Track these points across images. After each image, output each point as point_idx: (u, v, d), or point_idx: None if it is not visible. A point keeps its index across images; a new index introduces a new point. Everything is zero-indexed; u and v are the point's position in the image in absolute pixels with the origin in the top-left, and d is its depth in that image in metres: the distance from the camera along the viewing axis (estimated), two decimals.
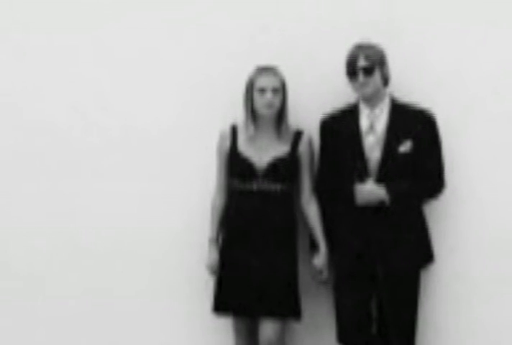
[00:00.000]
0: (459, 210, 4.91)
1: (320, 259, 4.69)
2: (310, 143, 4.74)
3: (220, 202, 4.78)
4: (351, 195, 4.57)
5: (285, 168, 4.66)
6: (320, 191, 4.77)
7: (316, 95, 4.90)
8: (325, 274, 4.71)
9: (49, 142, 5.07)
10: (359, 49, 4.60)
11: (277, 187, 4.66)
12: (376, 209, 4.58)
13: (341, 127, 4.70)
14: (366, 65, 4.55)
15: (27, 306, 5.10)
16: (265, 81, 4.61)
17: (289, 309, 4.65)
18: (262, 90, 4.58)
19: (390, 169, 4.59)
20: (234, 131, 4.75)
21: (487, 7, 4.94)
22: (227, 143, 4.73)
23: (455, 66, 4.90)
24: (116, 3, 5.11)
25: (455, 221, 4.92)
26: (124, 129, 5.05)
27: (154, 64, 5.06)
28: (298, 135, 4.72)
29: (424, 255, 4.75)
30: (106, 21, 5.16)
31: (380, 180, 4.55)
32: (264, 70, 4.64)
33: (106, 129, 5.07)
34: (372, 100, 4.63)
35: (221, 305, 4.68)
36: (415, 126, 4.64)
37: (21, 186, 5.11)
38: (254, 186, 4.66)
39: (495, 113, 4.89)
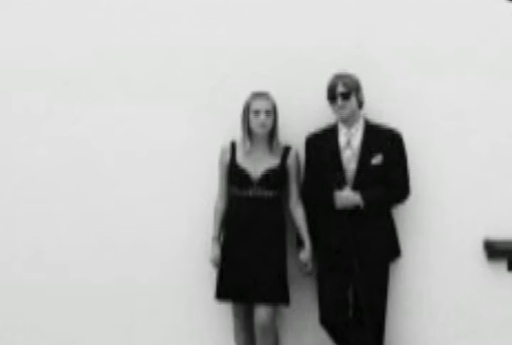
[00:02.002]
0: (421, 213, 5.27)
1: (305, 254, 5.02)
2: (297, 156, 5.06)
3: (221, 206, 5.10)
4: (331, 200, 4.90)
5: (276, 178, 4.98)
6: (305, 197, 5.09)
7: (301, 117, 5.23)
8: (309, 267, 5.05)
9: (81, 158, 5.39)
10: (338, 78, 4.96)
11: (269, 193, 4.97)
12: (352, 212, 4.91)
13: (323, 143, 5.04)
14: (344, 91, 4.90)
15: (57, 292, 5.40)
16: (259, 104, 4.94)
17: (279, 296, 4.98)
18: (257, 112, 4.92)
19: (364, 178, 4.93)
20: (233, 146, 5.06)
21: (444, 43, 5.25)
22: (227, 156, 5.04)
23: (418, 93, 5.27)
24: (133, 42, 5.37)
25: (418, 222, 5.28)
26: (143, 147, 5.38)
27: (168, 95, 5.38)
28: (286, 150, 5.04)
29: (392, 250, 5.10)
30: (129, 62, 5.40)
31: (355, 187, 4.90)
32: (258, 95, 4.98)
33: (130, 147, 5.39)
34: (348, 121, 4.98)
35: (222, 292, 5.02)
36: (385, 143, 4.99)
37: (55, 193, 5.39)
38: (250, 193, 4.98)
39: (452, 131, 5.27)
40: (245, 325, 5.13)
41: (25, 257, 5.40)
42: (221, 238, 5.11)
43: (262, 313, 4.92)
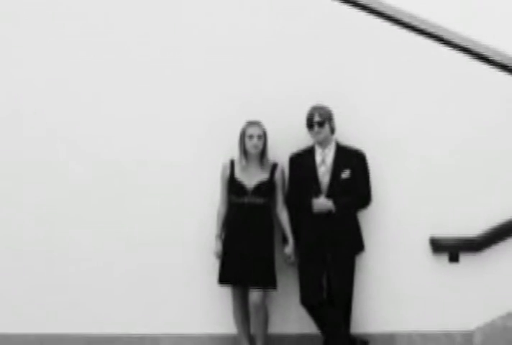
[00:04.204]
0: (380, 216, 5.68)
1: (289, 249, 5.46)
2: (282, 171, 5.48)
3: (223, 211, 5.50)
4: (309, 206, 5.32)
5: (266, 188, 5.41)
6: (289, 203, 5.49)
7: (286, 140, 5.60)
8: (292, 259, 5.48)
9: (111, 173, 5.74)
10: (315, 110, 5.38)
11: (260, 201, 5.40)
12: (326, 215, 5.32)
13: (303, 161, 5.44)
14: (319, 120, 5.33)
15: (96, 276, 5.78)
16: (253, 130, 5.38)
17: (268, 281, 5.40)
18: (251, 137, 5.36)
19: (336, 189, 5.35)
20: (232, 163, 5.49)
21: (396, 81, 5.65)
22: (227, 171, 5.48)
23: (379, 122, 5.67)
24: (146, 68, 5.70)
25: (378, 223, 5.68)
26: (162, 165, 5.72)
27: (182, 125, 5.72)
28: (274, 166, 5.47)
29: (358, 246, 5.51)
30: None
31: (328, 196, 5.33)
32: (252, 123, 5.43)
33: (152, 165, 5.73)
34: (323, 144, 5.40)
35: (224, 278, 5.45)
36: (352, 161, 5.41)
37: (91, 201, 5.77)
38: (246, 200, 5.40)
39: (406, 151, 5.67)
40: (242, 304, 5.52)
41: (66, 251, 5.78)
42: (223, 236, 5.49)
43: (255, 294, 5.37)
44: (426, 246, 5.70)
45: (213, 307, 5.76)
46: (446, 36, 5.55)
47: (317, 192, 5.35)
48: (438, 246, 5.66)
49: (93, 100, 5.77)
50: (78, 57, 5.75)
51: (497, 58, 5.57)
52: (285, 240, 5.53)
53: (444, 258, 5.68)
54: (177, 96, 5.76)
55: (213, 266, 5.62)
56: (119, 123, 5.77)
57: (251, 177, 5.43)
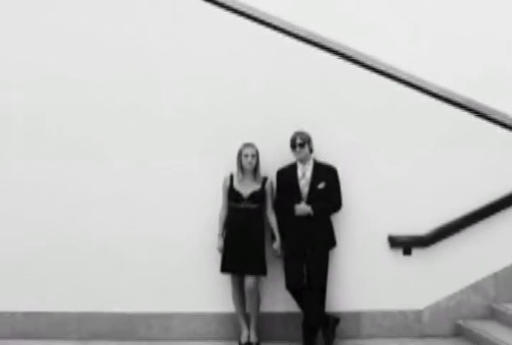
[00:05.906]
0: (349, 218, 6.28)
1: (276, 244, 6.07)
2: (271, 183, 6.12)
3: (224, 214, 6.09)
4: (293, 210, 5.93)
5: (258, 196, 6.04)
6: (276, 208, 6.10)
7: (274, 158, 6.19)
8: (279, 252, 6.09)
9: (133, 185, 6.26)
10: (297, 134, 6.05)
11: (254, 206, 6.00)
12: (306, 217, 5.93)
13: (287, 175, 6.07)
14: (300, 142, 5.98)
15: (119, 269, 6.29)
16: (248, 150, 6.01)
17: (260, 270, 5.99)
18: (246, 155, 5.99)
19: (313, 197, 5.97)
20: (231, 176, 6.11)
21: (364, 107, 6.27)
22: (228, 183, 6.11)
23: (345, 142, 6.27)
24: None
25: (347, 224, 6.27)
26: (177, 179, 6.22)
27: (192, 146, 6.19)
28: (265, 179, 6.11)
29: (331, 242, 6.13)
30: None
31: (308, 202, 5.96)
32: (247, 145, 6.06)
33: (170, 180, 6.25)
34: (303, 161, 6.05)
35: (224, 268, 6.04)
36: (326, 174, 6.03)
37: (115, 207, 6.27)
38: (242, 205, 6.00)
39: (371, 167, 6.28)
40: (239, 289, 6.07)
41: (95, 247, 6.28)
42: (224, 235, 6.07)
43: (249, 281, 5.94)
44: (385, 242, 6.29)
45: (216, 291, 6.24)
46: (399, 75, 6.34)
47: (299, 200, 5.97)
48: (394, 242, 6.26)
49: (109, 122, 6.28)
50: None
51: (441, 93, 6.39)
52: (273, 237, 6.12)
53: (399, 252, 6.28)
54: (191, 124, 6.31)
55: (215, 258, 6.17)
56: (135, 139, 6.26)
57: (246, 187, 6.05)
